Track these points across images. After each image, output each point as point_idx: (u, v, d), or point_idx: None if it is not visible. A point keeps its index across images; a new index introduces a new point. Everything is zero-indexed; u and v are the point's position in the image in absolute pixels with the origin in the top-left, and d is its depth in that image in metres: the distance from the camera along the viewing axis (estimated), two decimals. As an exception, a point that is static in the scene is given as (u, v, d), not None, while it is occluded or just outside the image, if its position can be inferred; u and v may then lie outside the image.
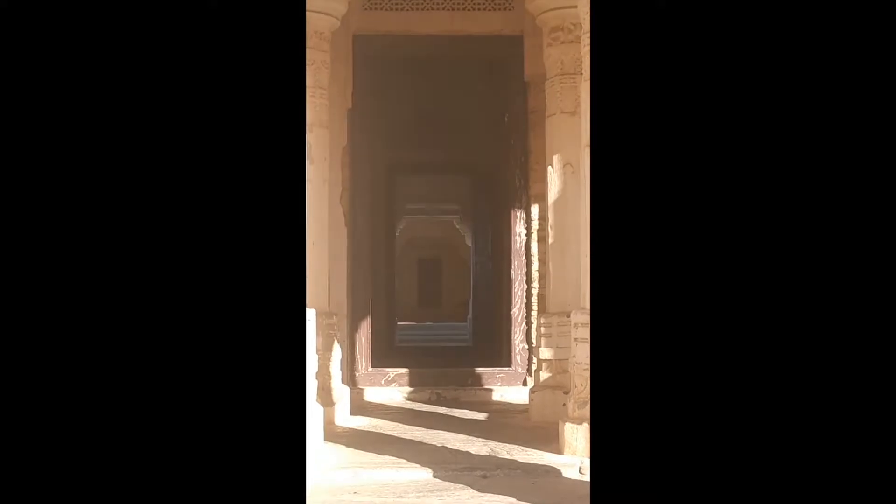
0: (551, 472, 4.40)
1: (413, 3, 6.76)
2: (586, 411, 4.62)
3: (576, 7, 4.89)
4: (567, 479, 4.30)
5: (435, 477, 4.31)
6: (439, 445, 5.17)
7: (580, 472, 4.35)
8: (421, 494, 4.01)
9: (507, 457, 4.79)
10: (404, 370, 7.71)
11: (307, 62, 5.17)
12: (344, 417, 6.06)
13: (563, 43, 5.71)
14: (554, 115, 5.91)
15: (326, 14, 5.62)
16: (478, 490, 4.03)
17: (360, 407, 6.74)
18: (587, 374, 4.65)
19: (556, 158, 5.88)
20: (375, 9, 6.62)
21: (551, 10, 5.71)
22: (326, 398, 5.69)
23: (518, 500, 3.81)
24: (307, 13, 5.19)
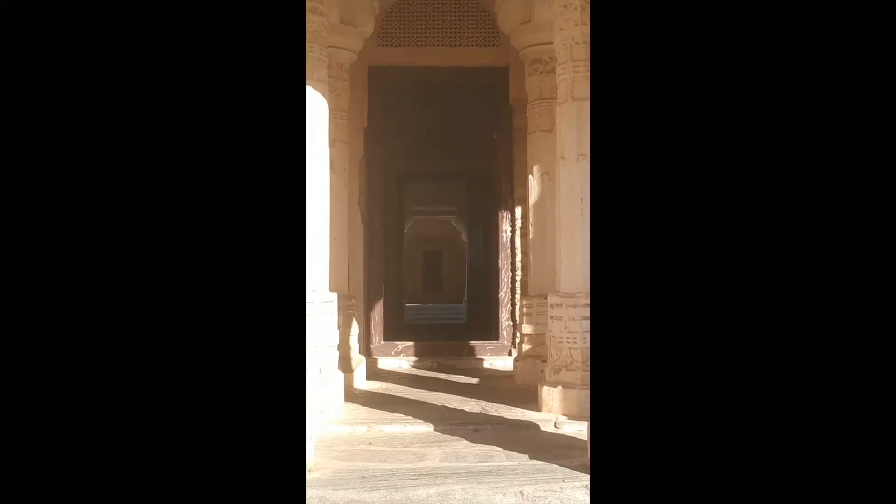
0: (531, 427, 4.45)
1: (417, 41, 6.86)
2: (560, 376, 4.77)
3: (551, 43, 4.99)
4: (544, 432, 4.35)
5: (435, 430, 4.36)
6: (439, 405, 5.22)
7: (555, 426, 4.41)
8: (424, 445, 4.02)
9: (495, 414, 4.85)
10: (411, 343, 7.75)
11: (330, 89, 5.28)
12: (361, 382, 6.15)
13: (541, 73, 5.81)
14: (534, 132, 6.01)
15: (346, 49, 5.75)
16: (471, 441, 4.05)
17: (374, 373, 6.78)
18: (560, 345, 4.79)
19: (535, 168, 5.98)
20: (386, 45, 6.70)
21: (531, 46, 5.82)
22: (346, 366, 5.72)
23: (504, 449, 3.83)
24: (331, 48, 5.32)
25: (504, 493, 3.05)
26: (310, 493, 3.07)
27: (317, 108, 4.98)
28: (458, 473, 3.36)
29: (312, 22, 4.76)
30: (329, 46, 5.20)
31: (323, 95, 5.02)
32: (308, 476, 3.31)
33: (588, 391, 4.38)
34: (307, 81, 4.83)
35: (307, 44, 4.72)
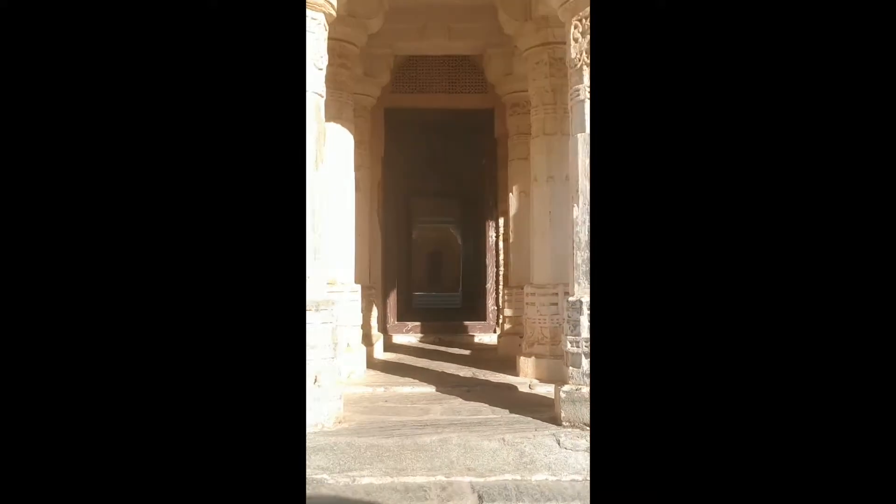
0: (511, 388, 4.42)
1: (422, 88, 6.84)
2: (533, 349, 4.77)
3: (527, 91, 4.98)
4: (521, 392, 4.31)
5: (437, 391, 4.32)
6: (439, 371, 5.17)
7: (529, 387, 4.38)
8: (428, 402, 4.00)
9: (483, 378, 4.82)
10: (418, 323, 7.71)
11: (356, 127, 5.30)
12: (379, 353, 6.05)
13: (518, 114, 5.77)
14: (513, 160, 5.99)
15: (368, 95, 5.74)
16: (464, 399, 4.03)
17: (389, 346, 6.67)
18: (534, 325, 4.79)
19: (514, 188, 5.95)
20: (399, 92, 6.64)
21: (511, 93, 5.79)
22: (367, 341, 5.64)
23: (489, 405, 3.80)
24: (356, 95, 5.34)
25: (490, 439, 3.06)
26: (340, 439, 3.11)
27: (344, 142, 5.01)
28: (454, 424, 3.37)
29: (341, 74, 4.79)
30: (354, 93, 5.23)
31: (350, 132, 5.06)
32: (339, 426, 3.36)
33: (554, 360, 4.47)
34: (337, 120, 4.88)
35: (337, 91, 4.76)
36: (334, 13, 3.49)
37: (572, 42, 3.38)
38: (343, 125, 4.99)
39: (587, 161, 3.31)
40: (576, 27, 3.36)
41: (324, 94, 3.47)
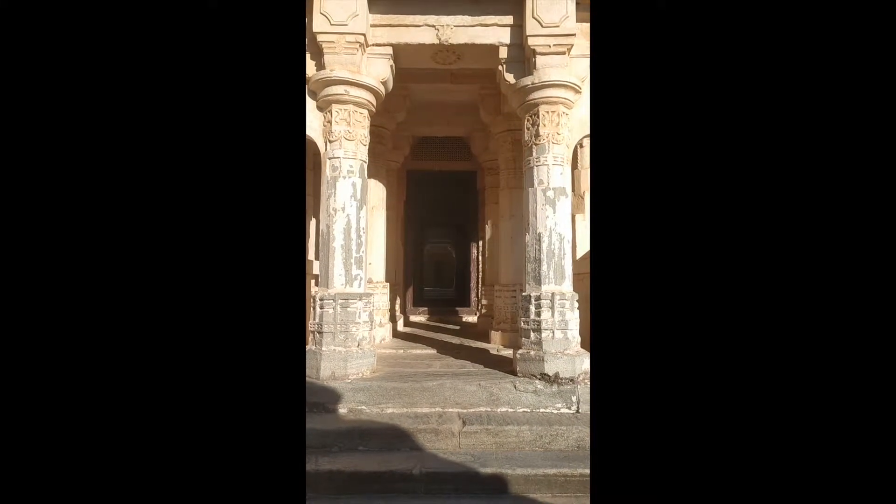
0: (485, 351, 4.28)
1: (432, 157, 6.75)
2: (500, 326, 4.66)
3: (497, 160, 4.94)
4: (491, 354, 4.16)
5: (437, 352, 4.22)
6: (440, 340, 5.01)
7: (497, 351, 4.25)
8: (431, 360, 3.90)
9: (467, 345, 4.67)
10: (426, 308, 7.59)
11: (387, 182, 5.32)
12: (401, 328, 5.93)
13: (492, 175, 5.68)
14: (488, 204, 5.89)
15: (395, 161, 5.68)
16: (454, 358, 3.96)
17: (407, 323, 6.51)
18: (500, 311, 4.69)
19: (489, 222, 5.88)
20: (417, 159, 6.62)
21: (488, 160, 5.70)
22: (393, 319, 5.52)
23: (472, 362, 3.73)
24: (388, 161, 5.37)
25: (470, 384, 3.03)
26: (373, 383, 3.07)
27: (380, 192, 5.05)
28: (447, 374, 3.34)
29: (378, 148, 4.82)
30: (387, 160, 5.26)
31: (383, 185, 5.09)
32: (373, 375, 3.30)
33: (513, 333, 4.46)
34: (375, 178, 4.91)
35: (375, 158, 4.79)
36: (374, 109, 3.53)
37: (525, 130, 3.38)
38: (379, 181, 5.05)
39: (534, 206, 3.30)
40: (527, 120, 3.37)
41: (367, 160, 3.49)
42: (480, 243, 7.22)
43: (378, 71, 3.39)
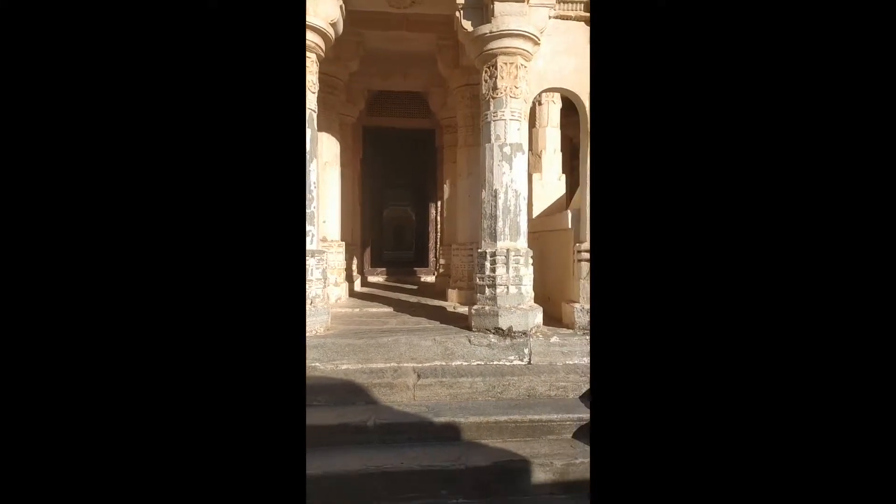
0: (442, 309, 4.30)
1: (388, 113, 6.56)
2: (457, 284, 4.68)
3: (456, 116, 4.83)
4: (448, 311, 4.17)
5: (394, 311, 4.20)
6: (397, 298, 5.00)
7: (453, 308, 4.26)
8: (387, 317, 3.89)
9: (425, 303, 4.68)
10: (384, 269, 7.57)
11: (342, 137, 5.09)
12: (358, 287, 5.90)
13: (450, 132, 5.58)
14: (447, 162, 5.81)
15: (349, 116, 5.45)
16: (411, 315, 3.96)
17: (365, 283, 6.53)
18: (457, 269, 4.71)
19: (447, 181, 5.82)
20: (373, 115, 6.40)
21: (446, 117, 5.58)
22: (350, 279, 5.52)
23: (428, 319, 3.74)
24: (341, 115, 5.13)
25: (426, 339, 3.05)
26: (327, 340, 3.04)
27: (333, 147, 4.83)
28: (403, 330, 3.34)
29: (330, 100, 4.57)
30: (340, 113, 5.02)
31: (337, 140, 4.87)
32: (327, 333, 3.28)
33: (469, 291, 4.50)
34: (328, 131, 4.67)
35: (327, 110, 4.55)
36: (323, 55, 3.29)
37: (483, 82, 3.29)
38: (332, 135, 4.80)
39: (491, 162, 3.25)
40: (485, 72, 3.27)
41: (316, 109, 3.30)
42: (439, 203, 7.19)
43: (327, 11, 3.14)
